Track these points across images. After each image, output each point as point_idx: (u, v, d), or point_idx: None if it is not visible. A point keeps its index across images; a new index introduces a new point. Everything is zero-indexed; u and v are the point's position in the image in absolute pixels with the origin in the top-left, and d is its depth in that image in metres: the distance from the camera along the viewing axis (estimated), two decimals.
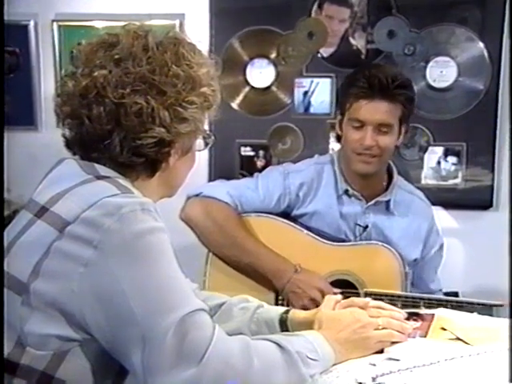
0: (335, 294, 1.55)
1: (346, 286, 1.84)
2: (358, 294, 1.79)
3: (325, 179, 1.94)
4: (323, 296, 1.72)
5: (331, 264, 1.87)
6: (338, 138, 1.97)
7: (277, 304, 1.86)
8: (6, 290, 1.00)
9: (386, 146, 1.85)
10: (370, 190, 1.93)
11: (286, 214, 1.95)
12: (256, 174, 2.02)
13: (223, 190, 1.93)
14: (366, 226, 1.92)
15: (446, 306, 1.67)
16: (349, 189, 1.92)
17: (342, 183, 1.93)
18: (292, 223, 1.92)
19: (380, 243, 1.88)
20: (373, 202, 1.93)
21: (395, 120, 1.83)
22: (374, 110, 1.80)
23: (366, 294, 1.74)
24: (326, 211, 1.92)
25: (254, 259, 1.86)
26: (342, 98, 1.89)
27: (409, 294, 1.80)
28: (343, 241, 1.91)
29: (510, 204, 2.26)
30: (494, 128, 2.46)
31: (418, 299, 1.73)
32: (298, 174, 1.95)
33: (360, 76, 1.82)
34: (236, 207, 1.92)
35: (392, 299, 1.70)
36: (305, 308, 1.69)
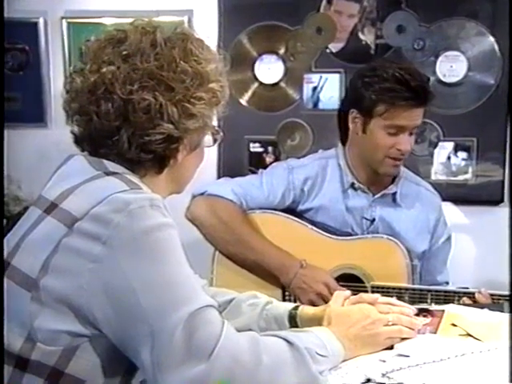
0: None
1: (353, 280, 1.84)
2: (364, 288, 1.79)
3: (329, 173, 1.94)
4: (330, 291, 1.73)
5: (337, 258, 1.87)
6: (343, 134, 1.92)
7: (284, 300, 1.86)
8: (15, 286, 1.00)
9: (412, 148, 1.87)
10: (377, 184, 1.93)
11: (291, 210, 1.94)
12: (260, 171, 2.02)
13: (228, 187, 1.92)
14: (373, 220, 1.92)
15: (453, 298, 1.67)
16: (355, 182, 1.92)
17: (347, 177, 1.92)
18: (297, 218, 1.92)
19: (385, 236, 1.87)
20: (379, 194, 1.92)
21: None
22: (414, 116, 1.80)
23: (373, 288, 1.74)
24: (332, 205, 1.92)
25: (259, 256, 1.86)
26: (370, 102, 1.79)
27: (416, 286, 1.79)
28: (350, 235, 1.91)
29: (510, 200, 2.25)
30: (505, 123, 2.45)
31: (425, 291, 1.72)
32: (302, 169, 1.94)
33: (392, 80, 1.75)
34: (241, 204, 1.91)
35: (399, 292, 1.70)
36: (312, 303, 1.69)
